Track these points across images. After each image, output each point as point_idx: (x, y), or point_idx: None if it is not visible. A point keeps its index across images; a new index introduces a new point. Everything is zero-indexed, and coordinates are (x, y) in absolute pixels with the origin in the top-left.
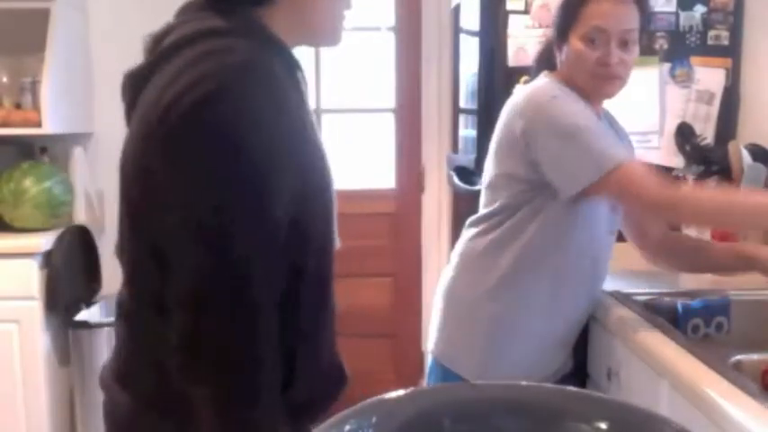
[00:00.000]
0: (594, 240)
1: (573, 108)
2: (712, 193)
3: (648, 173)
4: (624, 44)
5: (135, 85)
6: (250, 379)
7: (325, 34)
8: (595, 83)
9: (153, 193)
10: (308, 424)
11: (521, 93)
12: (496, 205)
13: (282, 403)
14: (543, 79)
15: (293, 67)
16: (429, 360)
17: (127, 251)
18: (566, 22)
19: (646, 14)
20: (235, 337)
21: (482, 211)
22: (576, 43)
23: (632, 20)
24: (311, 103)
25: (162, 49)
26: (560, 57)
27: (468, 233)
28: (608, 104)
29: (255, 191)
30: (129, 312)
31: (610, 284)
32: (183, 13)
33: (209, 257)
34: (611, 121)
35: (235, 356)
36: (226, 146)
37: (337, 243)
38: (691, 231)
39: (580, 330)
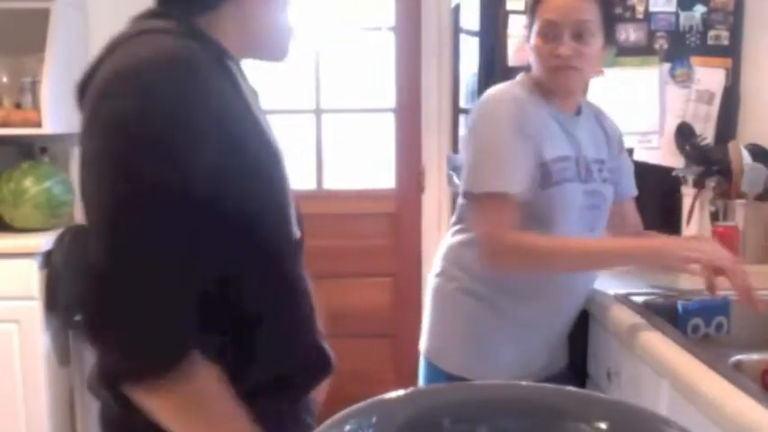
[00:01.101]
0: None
1: (502, 119)
2: (547, 241)
3: (504, 217)
4: (579, 36)
5: (81, 87)
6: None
7: (268, 47)
8: (551, 76)
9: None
10: (287, 403)
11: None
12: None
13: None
14: (512, 81)
15: (222, 57)
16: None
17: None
18: (529, 23)
19: (607, 5)
20: (135, 314)
21: (458, 207)
22: (534, 40)
23: (586, 11)
24: (311, 104)
25: (101, 52)
26: (530, 58)
27: (450, 230)
28: (608, 104)
29: (145, 179)
30: None
31: (609, 284)
32: (133, 21)
33: (109, 240)
34: (597, 116)
35: (133, 327)
36: (117, 136)
37: (296, 233)
38: None
39: (566, 329)
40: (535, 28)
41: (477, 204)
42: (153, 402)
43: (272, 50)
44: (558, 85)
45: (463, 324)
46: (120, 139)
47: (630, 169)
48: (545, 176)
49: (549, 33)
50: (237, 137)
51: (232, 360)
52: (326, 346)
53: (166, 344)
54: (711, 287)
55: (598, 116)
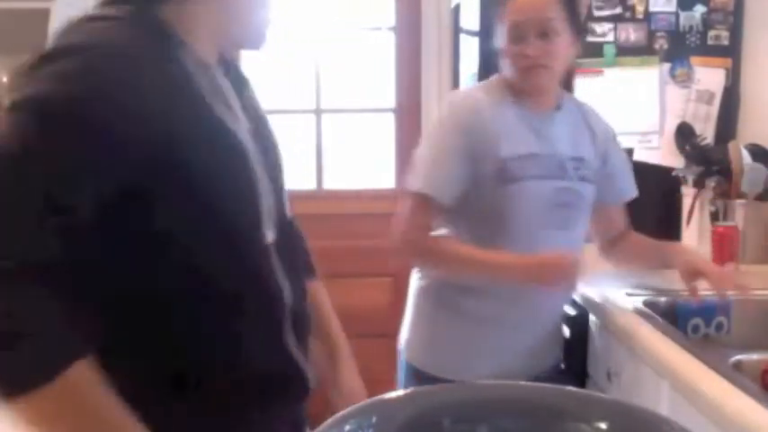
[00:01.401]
0: (534, 237)
1: (449, 127)
2: (455, 249)
3: (424, 220)
4: (545, 34)
5: None
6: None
7: (245, 35)
8: (521, 76)
9: None
10: (247, 414)
11: None
12: None
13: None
14: (481, 83)
15: (175, 49)
16: None
17: None
18: (498, 27)
19: (570, 1)
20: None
21: None
22: (503, 43)
23: (548, 9)
24: (311, 104)
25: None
26: (500, 60)
27: None
28: (608, 104)
29: (36, 162)
30: None
31: (610, 284)
32: (93, 8)
33: None
34: (583, 114)
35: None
36: (24, 120)
37: (267, 235)
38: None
39: (543, 332)
40: (503, 31)
41: (406, 200)
42: (28, 415)
43: (249, 39)
44: (529, 84)
45: (427, 321)
46: (20, 126)
47: (626, 169)
48: (501, 173)
49: (516, 35)
50: (171, 131)
51: (181, 362)
52: (305, 367)
53: (44, 359)
54: (693, 290)
55: (584, 114)
